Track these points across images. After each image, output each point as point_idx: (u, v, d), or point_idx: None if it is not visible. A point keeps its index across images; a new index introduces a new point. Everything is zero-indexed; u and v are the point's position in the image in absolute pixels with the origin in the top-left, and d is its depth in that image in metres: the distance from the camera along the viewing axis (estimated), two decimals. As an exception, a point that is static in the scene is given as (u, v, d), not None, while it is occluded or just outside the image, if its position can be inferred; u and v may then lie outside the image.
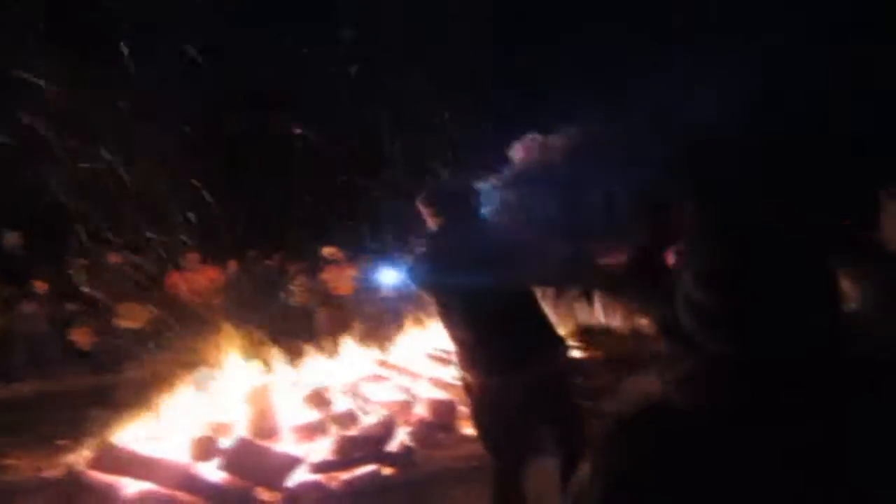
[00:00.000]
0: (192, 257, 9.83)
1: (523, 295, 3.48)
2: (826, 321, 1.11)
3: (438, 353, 7.30)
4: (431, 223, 3.55)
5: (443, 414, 5.74)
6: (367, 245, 11.39)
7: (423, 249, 3.79)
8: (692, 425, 1.06)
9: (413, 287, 4.07)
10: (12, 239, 12.15)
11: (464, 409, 5.94)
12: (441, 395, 6.20)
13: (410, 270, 3.83)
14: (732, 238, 1.17)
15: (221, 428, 5.22)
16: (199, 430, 5.16)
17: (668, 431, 1.08)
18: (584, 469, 1.12)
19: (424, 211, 3.55)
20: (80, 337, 8.41)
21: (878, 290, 2.07)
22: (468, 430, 5.70)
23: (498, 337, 3.38)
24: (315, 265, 10.60)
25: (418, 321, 8.39)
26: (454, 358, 7.00)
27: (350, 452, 4.89)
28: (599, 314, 5.51)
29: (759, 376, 1.08)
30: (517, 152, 5.02)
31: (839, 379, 1.07)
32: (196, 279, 9.67)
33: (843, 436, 1.02)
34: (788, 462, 1.01)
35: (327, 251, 10.43)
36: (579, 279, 4.01)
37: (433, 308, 4.11)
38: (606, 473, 1.09)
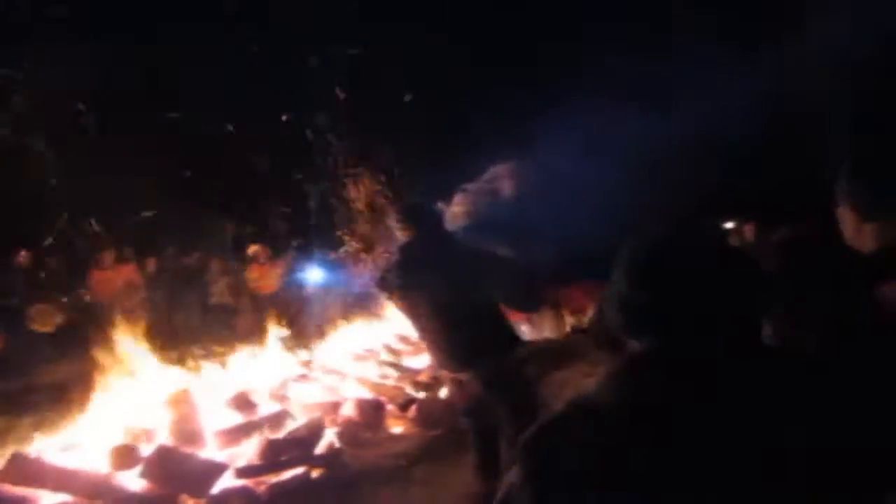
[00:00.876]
0: (107, 255, 9.47)
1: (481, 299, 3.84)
2: (748, 320, 1.18)
3: (364, 353, 7.32)
4: (401, 236, 4.01)
5: (370, 413, 5.76)
6: (292, 243, 11.26)
7: (395, 258, 4.22)
8: (617, 422, 1.10)
9: (383, 293, 4.49)
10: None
11: (391, 408, 5.99)
12: (368, 394, 6.22)
13: (382, 278, 4.20)
14: (660, 240, 1.25)
15: (141, 434, 5.08)
16: (118, 438, 5.01)
17: (594, 430, 1.11)
18: (513, 472, 1.15)
19: (396, 226, 4.02)
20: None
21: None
22: (396, 428, 5.76)
23: (456, 335, 3.85)
24: (238, 264, 10.38)
25: (344, 320, 8.39)
26: (379, 356, 7.09)
27: (277, 456, 4.84)
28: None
29: (681, 373, 1.13)
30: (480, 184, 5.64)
31: (759, 373, 1.13)
32: (112, 278, 9.32)
33: (759, 425, 1.08)
34: (707, 452, 1.06)
35: (252, 249, 10.24)
36: (524, 303, 4.31)
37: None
38: (538, 475, 1.12)
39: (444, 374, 5.29)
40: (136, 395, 5.69)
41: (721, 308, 1.15)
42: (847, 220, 1.92)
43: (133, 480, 4.58)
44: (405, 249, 3.99)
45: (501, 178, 5.60)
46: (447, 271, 3.76)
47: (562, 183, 5.45)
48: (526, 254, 4.74)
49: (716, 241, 1.28)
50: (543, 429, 1.18)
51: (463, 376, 4.02)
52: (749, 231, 7.04)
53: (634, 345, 1.19)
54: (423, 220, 4.01)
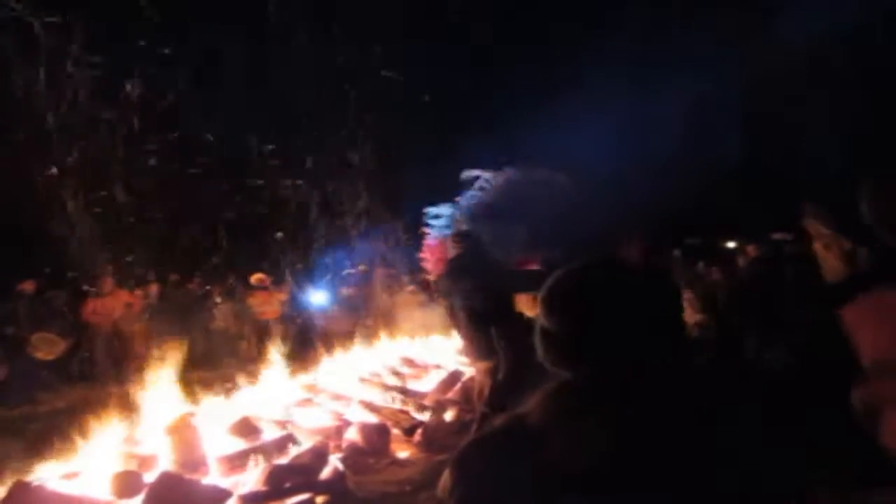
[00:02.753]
0: (107, 282, 9.45)
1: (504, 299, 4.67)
2: (662, 344, 1.23)
3: (368, 376, 7.27)
4: (453, 252, 5.48)
5: (375, 438, 5.70)
6: (294, 270, 11.31)
7: (447, 268, 5.53)
8: (537, 439, 1.15)
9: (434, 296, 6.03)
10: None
11: (396, 433, 5.93)
12: (372, 418, 6.16)
13: (433, 284, 5.71)
14: (567, 274, 1.31)
15: (144, 461, 5.01)
16: (121, 465, 4.94)
17: (511, 450, 1.17)
18: (445, 478, 1.21)
19: (451, 244, 5.57)
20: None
21: None
22: (401, 453, 5.70)
23: (484, 331, 5.14)
24: (241, 289, 10.38)
25: (347, 344, 8.34)
26: (383, 380, 7.19)
27: (281, 482, 4.76)
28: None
29: (594, 396, 1.18)
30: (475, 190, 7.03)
31: (670, 393, 1.17)
32: (112, 305, 9.29)
33: (670, 441, 1.11)
34: (622, 466, 1.10)
35: (255, 277, 10.24)
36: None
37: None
38: (465, 484, 1.19)
39: (448, 398, 6.70)
40: (138, 421, 5.63)
41: (631, 334, 1.20)
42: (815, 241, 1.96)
43: (135, 508, 4.52)
44: (451, 262, 5.35)
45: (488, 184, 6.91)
46: (481, 278, 5.03)
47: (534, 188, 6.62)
48: (503, 244, 6.00)
49: (625, 270, 1.33)
50: (478, 442, 1.26)
51: (486, 366, 5.14)
52: (752, 250, 7.04)
53: (556, 370, 1.25)
54: (468, 240, 5.46)
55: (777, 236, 6.71)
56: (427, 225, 7.08)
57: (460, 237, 5.57)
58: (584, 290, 1.27)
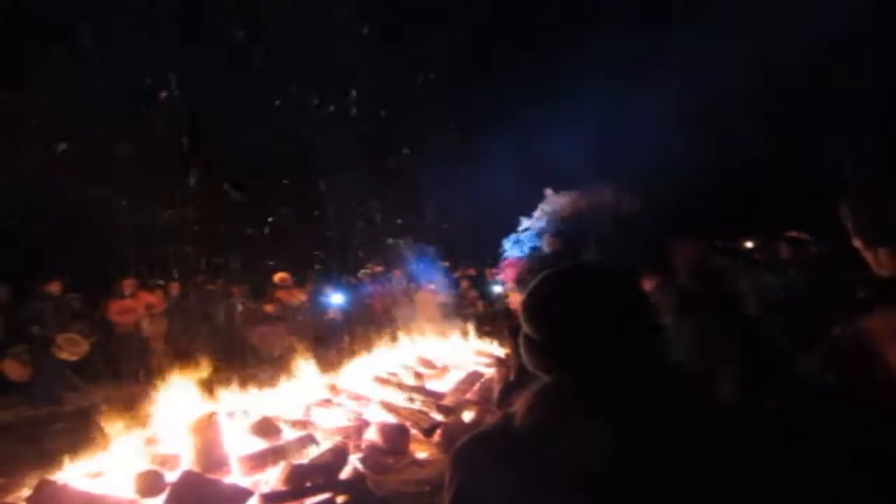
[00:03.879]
0: (129, 284, 9.54)
1: None
2: (638, 350, 1.24)
3: (387, 377, 7.29)
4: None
5: (394, 438, 5.71)
6: (317, 270, 11.40)
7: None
8: (521, 440, 1.19)
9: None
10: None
11: (415, 433, 5.95)
12: (391, 418, 6.18)
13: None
14: (543, 281, 1.34)
15: (166, 461, 5.08)
16: (144, 464, 5.01)
17: (500, 449, 1.22)
18: (445, 472, 1.28)
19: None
20: (13, 369, 8.04)
21: None
22: (420, 453, 5.71)
23: None
24: (262, 290, 10.45)
25: (367, 345, 8.37)
26: (402, 380, 7.29)
27: (301, 481, 4.80)
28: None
29: (576, 399, 1.20)
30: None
31: (648, 396, 1.18)
32: (134, 306, 9.39)
33: (648, 445, 1.13)
34: (603, 466, 1.12)
35: (278, 277, 10.31)
36: None
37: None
38: (461, 479, 1.24)
39: (467, 398, 6.56)
40: (161, 421, 5.70)
41: (606, 336, 1.22)
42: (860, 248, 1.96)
43: (158, 507, 4.57)
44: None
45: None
46: None
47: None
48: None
49: (598, 274, 1.35)
50: (472, 439, 1.30)
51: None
52: (784, 249, 6.96)
53: (539, 374, 1.28)
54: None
55: (792, 234, 6.64)
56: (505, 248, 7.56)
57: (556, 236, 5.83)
58: (559, 295, 1.30)
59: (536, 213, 7.53)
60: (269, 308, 9.88)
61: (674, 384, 1.24)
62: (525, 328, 1.31)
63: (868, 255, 1.92)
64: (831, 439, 1.41)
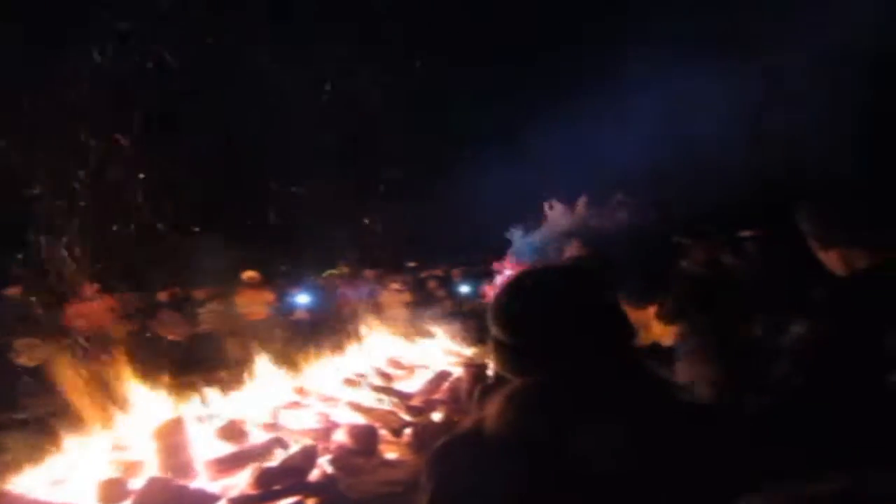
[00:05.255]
0: (89, 287, 9.33)
1: None
2: (605, 343, 1.25)
3: (356, 378, 7.23)
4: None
5: (363, 439, 5.67)
6: (284, 269, 11.29)
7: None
8: (491, 444, 1.20)
9: None
10: None
11: (385, 434, 5.91)
12: (361, 420, 6.13)
13: None
14: (510, 285, 1.35)
15: (130, 467, 4.97)
16: (106, 471, 4.89)
17: (474, 452, 1.23)
18: (421, 476, 1.29)
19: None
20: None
21: None
22: (390, 454, 5.67)
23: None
24: (228, 290, 10.29)
25: (335, 345, 8.30)
26: (371, 381, 7.27)
27: (270, 485, 4.73)
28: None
29: (545, 401, 1.21)
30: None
31: (614, 396, 1.19)
32: (94, 310, 9.18)
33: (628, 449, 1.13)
34: (578, 468, 1.13)
35: (247, 275, 10.15)
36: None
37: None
38: (431, 489, 1.25)
39: (436, 398, 6.52)
40: (124, 427, 5.57)
41: (571, 336, 1.23)
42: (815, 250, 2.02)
43: (123, 514, 4.47)
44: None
45: None
46: None
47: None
48: None
49: (559, 274, 1.37)
50: (447, 443, 1.32)
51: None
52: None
53: (509, 377, 1.29)
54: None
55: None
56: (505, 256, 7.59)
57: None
58: (527, 297, 1.29)
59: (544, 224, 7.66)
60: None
61: (639, 383, 1.25)
62: (494, 331, 1.31)
63: (822, 256, 1.97)
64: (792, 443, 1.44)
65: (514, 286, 1.33)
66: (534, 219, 7.55)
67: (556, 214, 7.73)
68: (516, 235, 7.49)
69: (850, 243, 1.86)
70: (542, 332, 1.24)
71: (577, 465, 1.13)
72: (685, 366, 4.61)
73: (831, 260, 1.94)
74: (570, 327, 1.23)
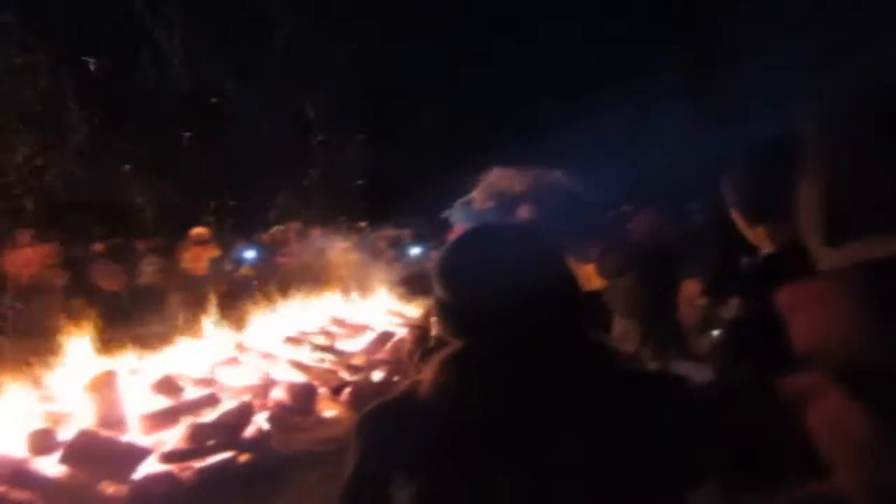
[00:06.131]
0: (24, 234, 9.02)
1: None
2: (553, 308, 1.23)
3: (297, 335, 7.23)
4: None
5: (301, 397, 5.70)
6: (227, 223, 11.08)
7: None
8: (426, 408, 1.19)
9: None
10: None
11: (323, 392, 5.95)
12: (299, 377, 6.16)
13: None
14: (456, 242, 1.32)
15: (61, 419, 4.91)
16: (37, 422, 4.82)
17: (403, 414, 1.24)
18: (350, 445, 1.29)
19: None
20: None
21: None
22: (328, 412, 5.72)
23: None
24: (172, 243, 10.07)
25: (278, 302, 8.26)
26: (312, 339, 7.24)
27: (203, 440, 4.74)
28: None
29: (483, 365, 1.19)
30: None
31: (554, 362, 1.19)
32: (28, 257, 8.89)
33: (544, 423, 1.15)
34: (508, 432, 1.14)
35: (195, 232, 9.93)
36: None
37: None
38: (359, 451, 1.26)
39: (378, 357, 6.50)
40: (56, 378, 5.47)
41: (521, 306, 1.18)
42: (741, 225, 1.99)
43: (52, 466, 4.42)
44: None
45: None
46: None
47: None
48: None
49: (508, 234, 1.33)
50: (377, 407, 1.31)
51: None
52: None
53: (449, 338, 1.26)
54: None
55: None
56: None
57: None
58: (469, 258, 1.26)
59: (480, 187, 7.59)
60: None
61: (581, 350, 1.23)
62: (438, 291, 1.27)
63: (748, 232, 1.97)
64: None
65: (458, 244, 1.30)
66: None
67: (496, 178, 7.67)
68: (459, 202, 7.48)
69: (778, 220, 1.79)
70: (491, 295, 1.18)
71: (503, 428, 1.13)
72: (617, 319, 4.78)
73: (758, 235, 1.93)
74: (515, 286, 1.16)
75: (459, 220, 7.37)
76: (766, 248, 1.93)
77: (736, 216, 2.00)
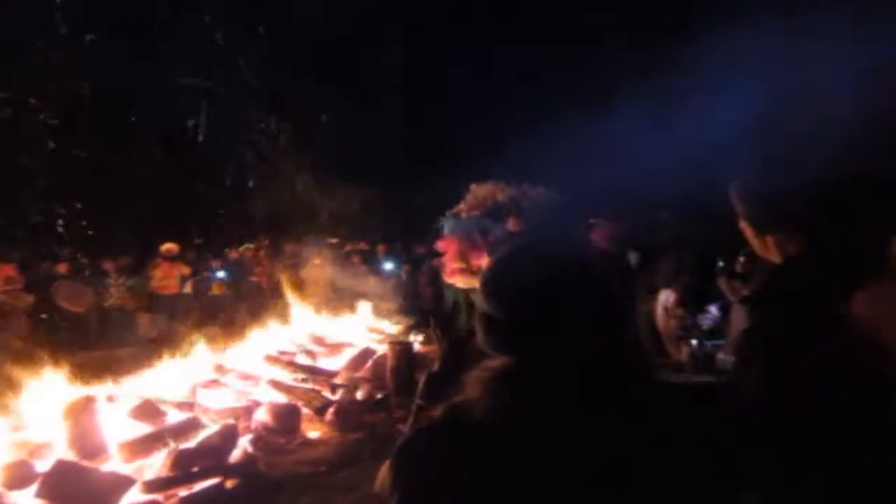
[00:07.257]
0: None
1: None
2: (603, 325, 1.19)
3: (278, 355, 7.10)
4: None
5: (285, 418, 5.58)
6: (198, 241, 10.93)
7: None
8: (487, 431, 1.12)
9: None
10: None
11: (307, 412, 5.83)
12: (282, 398, 6.04)
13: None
14: (503, 259, 1.28)
15: (37, 450, 4.71)
16: (11, 454, 4.63)
17: (457, 439, 1.14)
18: (384, 474, 1.18)
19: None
20: None
21: None
22: (313, 433, 5.61)
23: None
24: (141, 262, 9.86)
25: (256, 321, 8.12)
26: (293, 358, 7.13)
27: (188, 466, 4.58)
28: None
29: (535, 382, 1.14)
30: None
31: (611, 383, 1.15)
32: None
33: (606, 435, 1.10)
34: (565, 459, 1.09)
35: (165, 247, 9.74)
36: None
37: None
38: (405, 479, 1.16)
39: (360, 375, 6.44)
40: (29, 407, 5.27)
41: (571, 316, 1.16)
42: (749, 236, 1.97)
43: (28, 499, 4.24)
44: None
45: None
46: None
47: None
48: None
49: (563, 251, 1.30)
50: (418, 435, 1.23)
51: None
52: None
53: (496, 354, 1.21)
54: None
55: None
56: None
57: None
58: (523, 272, 1.23)
59: (467, 200, 7.75)
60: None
61: (627, 364, 1.21)
62: (485, 307, 1.23)
63: (756, 242, 1.95)
64: None
65: (508, 260, 1.27)
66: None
67: (481, 192, 7.77)
68: (448, 215, 7.55)
69: (794, 230, 1.75)
70: (542, 309, 1.16)
71: (578, 455, 1.10)
72: None
73: (767, 246, 1.91)
74: (570, 306, 1.16)
75: (448, 229, 7.43)
76: (775, 258, 1.92)
77: (744, 226, 1.98)
